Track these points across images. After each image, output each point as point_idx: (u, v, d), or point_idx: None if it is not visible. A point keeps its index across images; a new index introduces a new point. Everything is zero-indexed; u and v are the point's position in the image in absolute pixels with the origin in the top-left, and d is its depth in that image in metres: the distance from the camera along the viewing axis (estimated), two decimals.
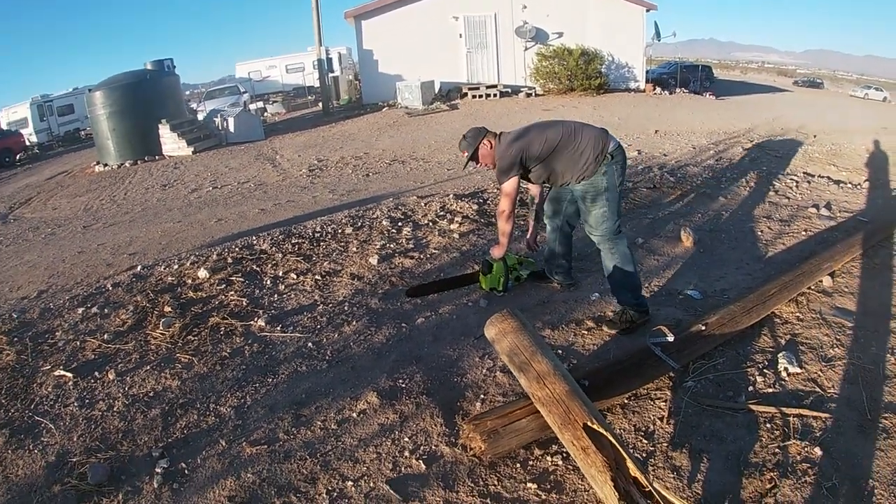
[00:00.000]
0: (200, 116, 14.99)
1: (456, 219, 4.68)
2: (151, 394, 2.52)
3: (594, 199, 2.82)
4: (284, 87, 26.13)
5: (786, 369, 2.48)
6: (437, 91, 16.13)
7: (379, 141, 11.08)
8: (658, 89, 16.73)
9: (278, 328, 2.98)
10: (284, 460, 2.09)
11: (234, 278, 3.67)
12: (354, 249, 4.04)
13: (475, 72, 16.79)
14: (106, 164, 11.15)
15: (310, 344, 2.82)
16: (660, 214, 4.87)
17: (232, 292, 3.47)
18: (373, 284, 3.47)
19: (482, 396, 2.43)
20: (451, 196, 5.34)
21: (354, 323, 3.00)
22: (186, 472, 2.06)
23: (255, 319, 3.07)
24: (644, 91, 16.61)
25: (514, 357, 2.15)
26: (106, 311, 3.37)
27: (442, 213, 4.84)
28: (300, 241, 4.27)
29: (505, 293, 3.29)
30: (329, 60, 17.37)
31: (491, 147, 2.95)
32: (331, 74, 18.33)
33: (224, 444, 2.19)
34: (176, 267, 3.93)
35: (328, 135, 12.51)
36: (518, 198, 3.19)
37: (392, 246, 4.08)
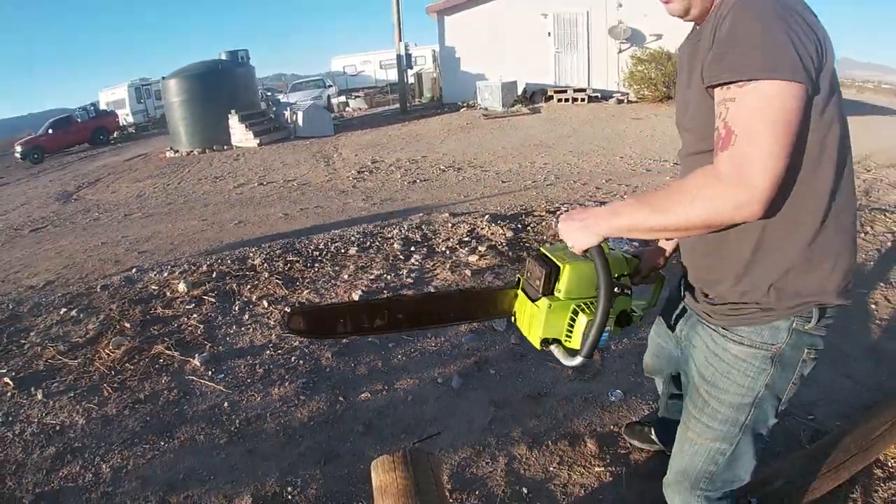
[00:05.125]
0: (286, 109, 15.36)
1: (480, 248, 3.96)
2: (58, 427, 2.28)
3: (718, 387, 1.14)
4: (378, 82, 26.04)
5: None
6: (520, 93, 15.35)
7: (444, 144, 10.63)
8: None
9: (210, 373, 2.54)
10: None
11: (207, 297, 3.33)
12: (346, 277, 3.54)
13: (563, 73, 15.75)
14: (176, 151, 11.52)
15: (226, 404, 2.30)
16: None
17: (196, 315, 3.13)
18: None
19: None
20: (487, 217, 4.67)
21: (287, 384, 2.41)
22: None
23: (196, 356, 2.67)
24: None
25: None
26: (81, 316, 3.25)
27: (467, 239, 4.18)
28: (295, 259, 3.85)
29: (588, 359, 1.10)
30: (409, 57, 17.06)
31: None
32: (411, 71, 18.18)
33: None
34: (165, 275, 3.70)
35: (396, 134, 12.24)
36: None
37: (389, 277, 3.53)
